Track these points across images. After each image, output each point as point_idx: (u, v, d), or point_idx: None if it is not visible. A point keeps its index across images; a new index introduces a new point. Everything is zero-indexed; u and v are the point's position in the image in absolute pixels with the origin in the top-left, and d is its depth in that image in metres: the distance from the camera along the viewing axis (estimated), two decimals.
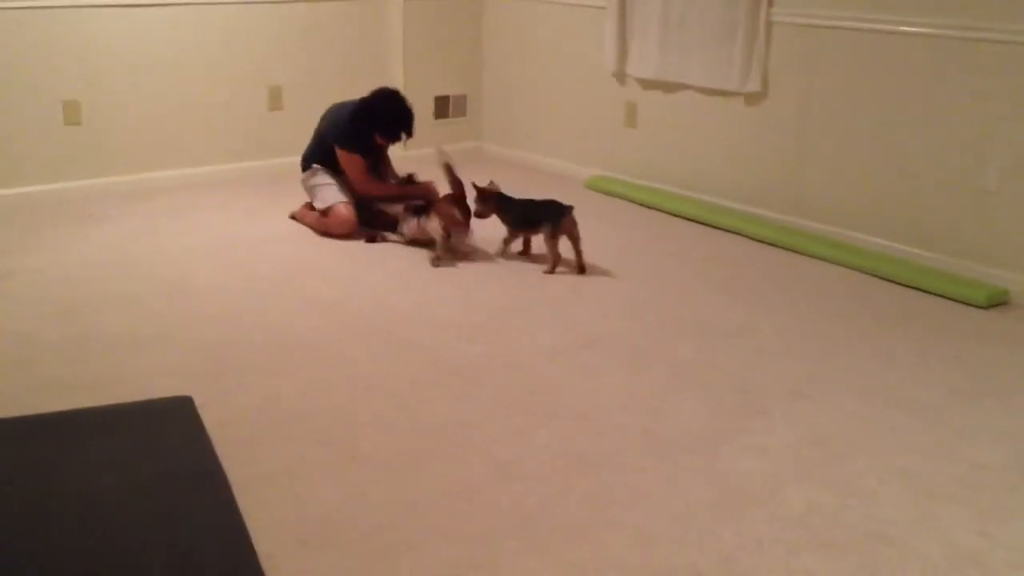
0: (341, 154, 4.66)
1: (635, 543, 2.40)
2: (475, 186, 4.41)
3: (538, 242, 4.34)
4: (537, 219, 4.28)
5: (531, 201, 4.35)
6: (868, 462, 2.78)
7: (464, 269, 4.28)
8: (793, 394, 3.19)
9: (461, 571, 2.29)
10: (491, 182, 4.44)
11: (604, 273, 4.28)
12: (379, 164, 4.79)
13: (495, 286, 4.10)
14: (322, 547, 2.37)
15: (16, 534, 2.34)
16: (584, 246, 4.38)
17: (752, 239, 4.72)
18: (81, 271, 4.15)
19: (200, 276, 4.14)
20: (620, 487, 2.65)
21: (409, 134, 4.70)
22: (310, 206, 4.82)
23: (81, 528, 2.37)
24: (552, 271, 4.18)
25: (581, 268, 4.24)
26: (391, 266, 4.33)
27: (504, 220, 4.39)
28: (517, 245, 4.46)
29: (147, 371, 3.26)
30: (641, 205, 5.28)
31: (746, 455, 2.81)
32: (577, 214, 5.12)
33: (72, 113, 5.16)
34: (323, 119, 4.80)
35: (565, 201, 4.29)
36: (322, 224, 4.69)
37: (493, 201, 4.38)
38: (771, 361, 3.43)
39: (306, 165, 4.83)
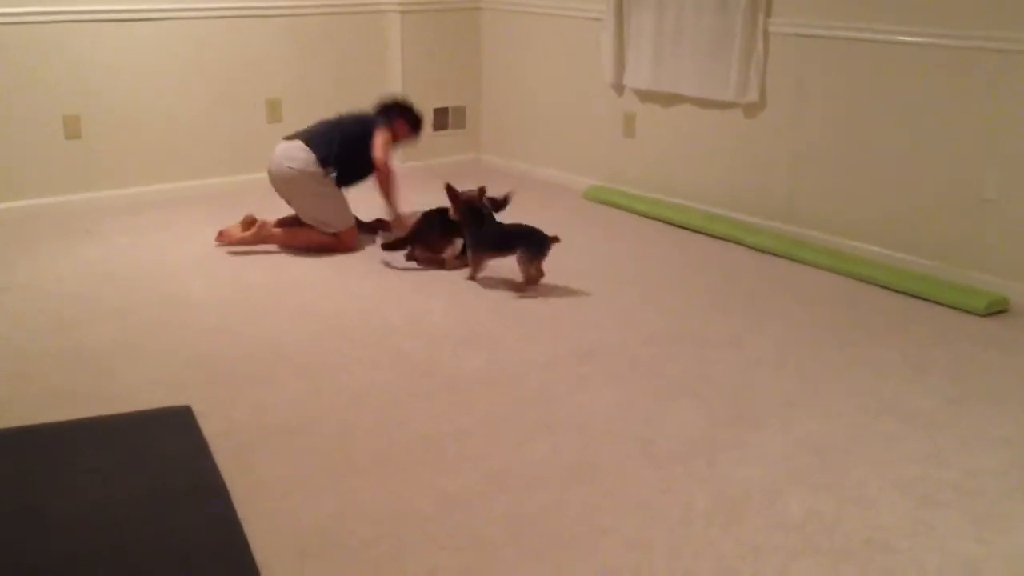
0: (382, 132, 4.60)
1: (632, 551, 2.40)
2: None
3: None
4: (513, 243, 4.17)
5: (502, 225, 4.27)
6: (865, 470, 2.78)
7: (458, 281, 4.28)
8: (789, 402, 3.18)
9: None
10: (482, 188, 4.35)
11: (600, 283, 4.28)
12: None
13: (489, 297, 4.10)
14: (320, 557, 2.37)
15: (13, 546, 2.34)
16: (582, 256, 4.35)
17: (750, 248, 4.72)
18: (78, 284, 4.16)
19: (196, 288, 4.14)
20: (616, 496, 2.64)
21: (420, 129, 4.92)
22: (285, 221, 4.66)
23: (80, 538, 2.38)
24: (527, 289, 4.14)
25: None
26: (385, 277, 4.33)
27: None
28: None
29: (143, 383, 3.26)
30: (640, 215, 5.28)
31: (743, 463, 2.81)
32: (576, 224, 5.15)
33: (72, 127, 5.18)
34: (340, 123, 4.68)
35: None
36: (329, 244, 4.58)
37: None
38: (768, 370, 3.43)
39: (323, 154, 4.53)
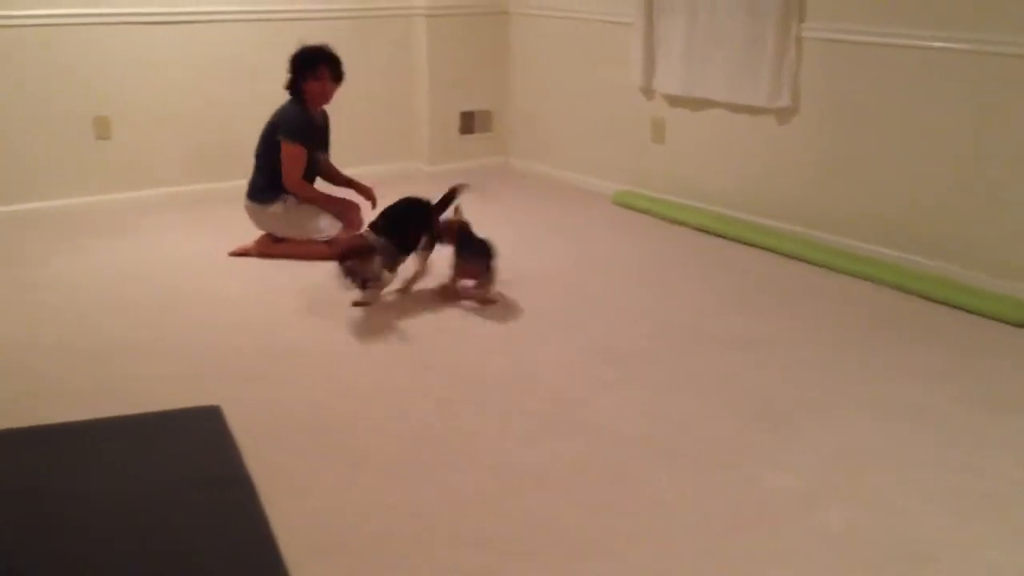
0: (285, 148, 4.49)
1: (654, 559, 2.36)
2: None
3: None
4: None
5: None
6: (895, 478, 2.73)
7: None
8: (818, 408, 3.14)
9: None
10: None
11: (625, 286, 4.25)
12: (320, 159, 4.71)
13: (509, 297, 4.08)
14: (340, 552, 2.35)
15: (44, 543, 2.34)
16: (607, 260, 4.28)
17: (781, 255, 4.67)
18: (108, 283, 4.17)
19: (224, 287, 4.15)
20: (638, 501, 2.61)
21: (337, 66, 4.61)
22: (272, 237, 4.64)
23: (111, 535, 2.37)
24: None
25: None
26: (403, 277, 4.32)
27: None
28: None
29: (170, 380, 3.27)
30: (668, 220, 5.25)
31: (771, 470, 2.77)
32: (603, 229, 5.12)
33: (102, 128, 5.20)
34: (260, 151, 4.63)
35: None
36: (327, 252, 4.45)
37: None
38: (797, 375, 3.38)
39: (263, 196, 4.58)
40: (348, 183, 4.83)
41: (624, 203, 5.55)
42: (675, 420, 3.06)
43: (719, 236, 4.97)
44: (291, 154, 4.52)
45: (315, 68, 4.55)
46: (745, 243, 4.85)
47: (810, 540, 2.44)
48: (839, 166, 4.65)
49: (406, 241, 4.08)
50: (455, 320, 3.85)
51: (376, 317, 3.85)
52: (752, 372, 3.41)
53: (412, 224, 4.14)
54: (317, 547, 2.38)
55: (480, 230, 4.13)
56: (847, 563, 2.36)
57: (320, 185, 4.75)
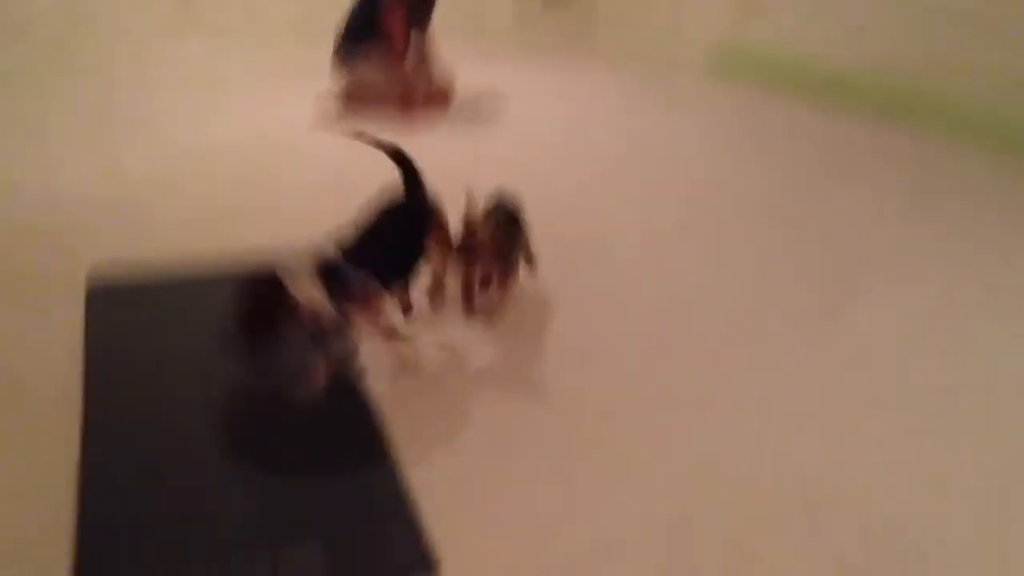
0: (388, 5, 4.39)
1: (698, 432, 2.19)
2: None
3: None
4: None
5: None
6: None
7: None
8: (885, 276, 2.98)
9: None
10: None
11: (711, 158, 4.14)
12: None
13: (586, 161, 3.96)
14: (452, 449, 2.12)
15: (135, 399, 2.23)
16: (693, 131, 4.22)
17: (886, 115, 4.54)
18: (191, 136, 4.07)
19: (315, 147, 4.01)
20: (680, 369, 2.44)
21: None
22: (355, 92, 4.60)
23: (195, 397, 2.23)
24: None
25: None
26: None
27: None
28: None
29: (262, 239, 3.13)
30: (762, 84, 5.11)
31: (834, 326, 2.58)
32: (691, 100, 4.88)
33: None
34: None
35: None
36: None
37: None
38: (862, 236, 3.21)
39: (352, 41, 4.53)
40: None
41: (719, 67, 5.39)
42: (736, 290, 2.93)
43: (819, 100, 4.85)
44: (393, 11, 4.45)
45: None
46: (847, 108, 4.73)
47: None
48: (950, 15, 4.47)
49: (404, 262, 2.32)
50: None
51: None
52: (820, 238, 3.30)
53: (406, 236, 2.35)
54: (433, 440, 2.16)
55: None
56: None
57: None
